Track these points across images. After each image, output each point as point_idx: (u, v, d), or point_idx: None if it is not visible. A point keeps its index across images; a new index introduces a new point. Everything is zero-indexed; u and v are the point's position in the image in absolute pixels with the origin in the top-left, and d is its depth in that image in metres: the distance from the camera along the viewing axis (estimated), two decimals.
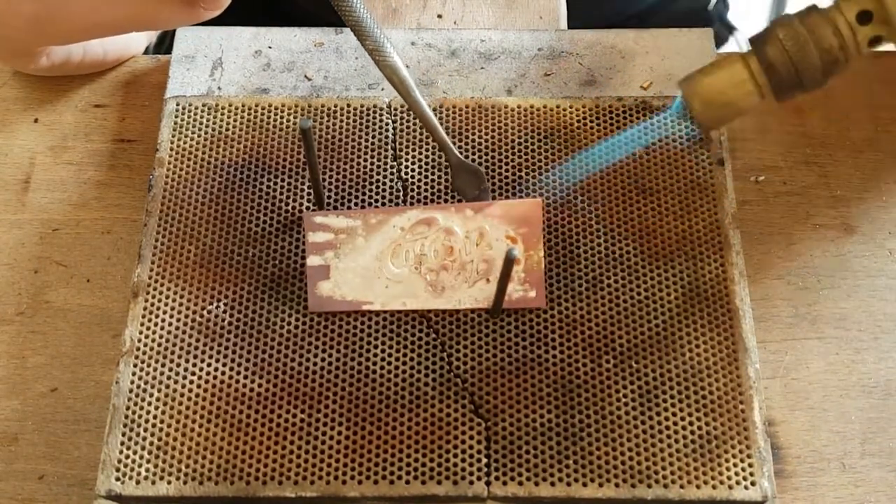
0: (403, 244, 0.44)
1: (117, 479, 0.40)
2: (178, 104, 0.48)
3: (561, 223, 0.45)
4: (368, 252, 0.44)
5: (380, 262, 0.44)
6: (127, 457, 0.40)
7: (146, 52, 0.55)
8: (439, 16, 0.54)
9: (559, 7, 0.55)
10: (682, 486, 0.39)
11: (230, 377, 0.42)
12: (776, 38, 0.34)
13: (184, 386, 0.42)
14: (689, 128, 0.37)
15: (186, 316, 0.43)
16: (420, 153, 0.47)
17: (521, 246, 0.44)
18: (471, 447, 0.40)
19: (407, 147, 0.47)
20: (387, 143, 0.47)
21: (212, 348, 0.42)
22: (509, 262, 0.38)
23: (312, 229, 0.44)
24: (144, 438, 0.40)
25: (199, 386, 0.42)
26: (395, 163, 0.47)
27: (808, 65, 0.33)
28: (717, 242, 0.45)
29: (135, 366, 0.42)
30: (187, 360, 0.42)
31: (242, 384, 0.42)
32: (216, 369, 0.42)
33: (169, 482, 0.40)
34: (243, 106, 0.48)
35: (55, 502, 0.42)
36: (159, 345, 0.42)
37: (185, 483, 0.40)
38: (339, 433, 0.41)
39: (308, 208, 0.46)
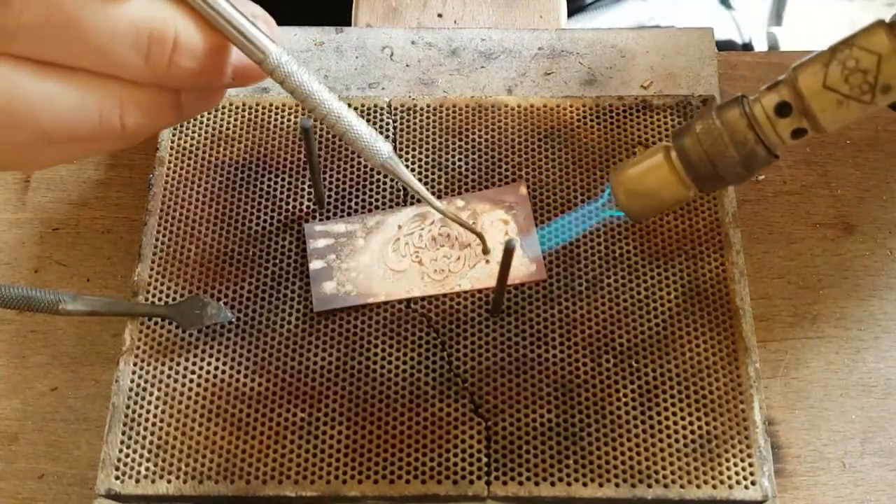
0: (402, 238, 0.44)
1: (117, 478, 0.40)
2: None
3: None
4: (368, 250, 0.44)
5: (380, 257, 0.44)
6: (127, 455, 0.40)
7: None
8: (439, 15, 0.54)
9: (559, 6, 0.55)
10: (682, 486, 0.39)
11: (230, 376, 0.42)
12: (693, 131, 0.34)
13: (183, 385, 0.42)
14: (620, 217, 0.37)
15: None
16: (420, 153, 0.47)
17: (515, 227, 0.44)
18: (471, 447, 0.40)
19: (407, 147, 0.47)
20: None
21: (212, 347, 0.42)
22: (509, 252, 0.38)
23: (313, 237, 0.45)
24: (144, 437, 0.40)
25: (198, 385, 0.42)
26: None
27: (724, 157, 0.33)
28: (717, 242, 0.45)
29: (135, 365, 0.42)
30: (187, 359, 0.42)
31: (242, 383, 0.42)
32: (216, 368, 0.42)
33: (169, 481, 0.40)
34: (243, 105, 0.48)
35: (55, 501, 0.42)
36: (159, 344, 0.42)
37: (184, 482, 0.40)
38: (340, 432, 0.41)
39: (308, 208, 0.46)
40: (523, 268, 0.43)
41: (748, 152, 0.33)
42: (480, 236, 0.43)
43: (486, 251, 0.44)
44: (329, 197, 0.46)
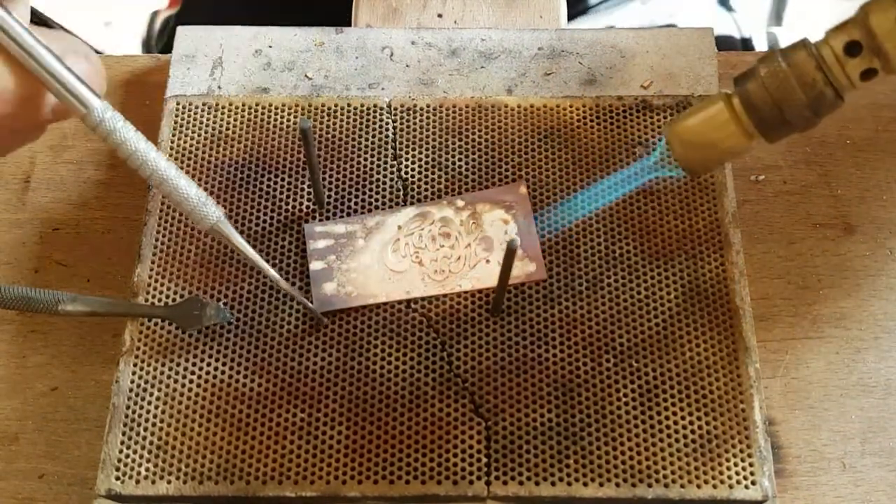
0: (402, 239, 0.44)
1: (117, 478, 0.40)
2: (178, 103, 0.48)
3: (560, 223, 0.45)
4: (368, 251, 0.44)
5: (380, 258, 0.44)
6: (127, 456, 0.40)
7: (147, 51, 0.55)
8: (439, 15, 0.54)
9: (559, 6, 0.55)
10: (682, 486, 0.39)
11: (230, 377, 0.42)
12: (757, 75, 0.33)
13: (183, 385, 0.42)
14: (677, 172, 0.36)
15: None
16: (420, 153, 0.47)
17: (515, 226, 0.44)
18: (471, 447, 0.40)
19: (407, 147, 0.47)
20: (387, 143, 0.47)
21: (211, 348, 0.42)
22: (511, 252, 0.38)
23: (313, 238, 0.45)
24: (144, 438, 0.40)
25: (198, 385, 0.42)
26: (394, 162, 0.47)
27: (792, 101, 0.32)
28: (717, 242, 0.45)
29: (135, 365, 0.42)
30: (187, 360, 0.42)
31: (242, 384, 0.42)
32: (216, 369, 0.42)
33: (169, 481, 0.40)
34: (243, 105, 0.48)
35: (55, 501, 0.42)
36: (159, 344, 0.42)
37: (184, 482, 0.40)
38: (340, 433, 0.41)
39: (308, 207, 0.46)
40: (524, 267, 0.43)
41: (816, 94, 0.32)
42: (310, 308, 0.42)
43: (318, 325, 0.43)
44: (329, 197, 0.46)
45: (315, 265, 0.44)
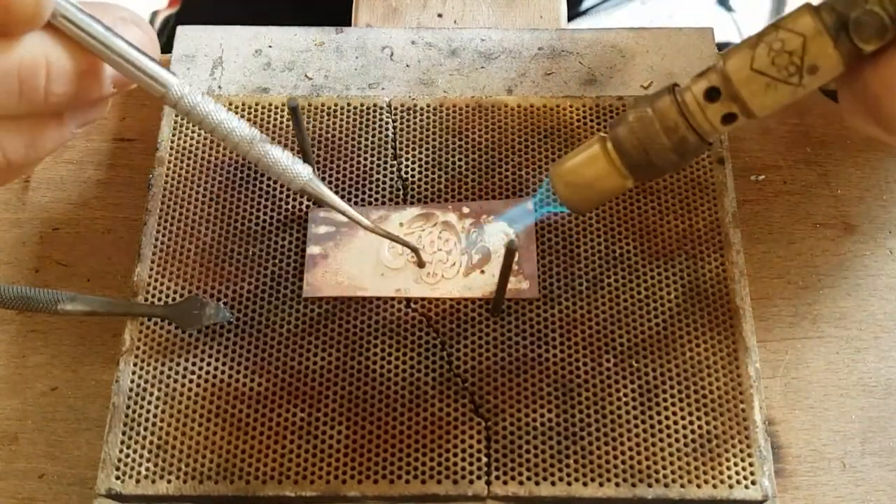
0: (401, 236, 0.44)
1: (117, 477, 0.40)
2: None
3: (561, 222, 0.45)
4: (367, 243, 0.44)
5: (377, 252, 0.44)
6: (127, 455, 0.40)
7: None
8: (439, 15, 0.54)
9: (559, 6, 0.55)
10: (682, 486, 0.39)
11: (230, 376, 0.42)
12: (626, 121, 0.34)
13: (183, 385, 0.42)
14: (561, 209, 0.38)
15: None
16: (420, 153, 0.47)
17: (516, 241, 0.44)
18: (471, 446, 0.40)
19: (407, 146, 0.47)
20: (387, 143, 0.47)
21: (211, 347, 0.42)
22: (510, 252, 0.38)
23: (315, 223, 0.45)
24: (144, 437, 0.40)
25: (198, 385, 0.42)
26: (394, 162, 0.47)
27: (657, 145, 0.33)
28: (717, 241, 0.45)
29: (135, 365, 0.42)
30: (187, 360, 0.42)
31: (242, 383, 0.42)
32: (216, 368, 0.42)
33: (169, 481, 0.40)
34: (243, 105, 0.48)
35: (55, 501, 0.42)
36: (159, 344, 0.42)
37: (184, 482, 0.40)
38: (339, 432, 0.41)
39: (308, 207, 0.46)
40: (517, 283, 0.43)
41: (679, 139, 0.33)
42: (415, 250, 0.43)
43: (421, 265, 0.44)
44: None
45: (312, 249, 0.44)
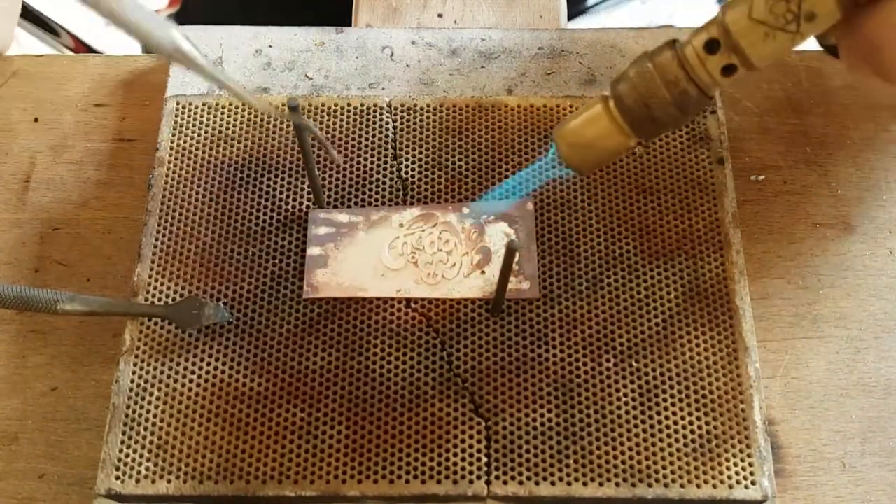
0: (402, 237, 0.44)
1: (117, 477, 0.40)
2: (178, 103, 0.48)
3: (561, 222, 0.45)
4: (367, 244, 0.44)
5: (377, 253, 0.44)
6: (127, 455, 0.40)
7: (147, 50, 0.55)
8: (440, 15, 0.54)
9: (559, 6, 0.55)
10: (682, 486, 0.39)
11: (230, 376, 0.42)
12: (627, 77, 0.34)
13: (183, 385, 0.42)
14: (566, 173, 0.38)
15: None
16: (420, 153, 0.47)
17: (516, 241, 0.44)
18: (471, 446, 0.40)
19: (407, 146, 0.47)
20: (387, 143, 0.47)
21: (211, 347, 0.42)
22: (511, 252, 0.38)
23: (316, 224, 0.45)
24: (144, 437, 0.40)
25: (198, 385, 0.42)
26: (395, 162, 0.47)
27: (658, 99, 0.33)
28: (717, 241, 0.45)
29: (135, 365, 0.42)
30: (187, 359, 0.42)
31: (242, 383, 0.42)
32: (216, 368, 0.42)
33: (168, 481, 0.40)
34: (243, 105, 0.48)
35: (55, 501, 0.42)
36: (159, 344, 0.42)
37: (184, 482, 0.40)
38: (339, 432, 0.41)
39: (308, 207, 0.46)
40: (518, 284, 0.43)
41: (680, 92, 0.33)
42: (326, 146, 0.40)
43: (333, 160, 0.43)
44: (329, 196, 0.46)
45: (312, 251, 0.44)
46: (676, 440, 0.40)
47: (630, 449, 0.40)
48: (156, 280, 0.44)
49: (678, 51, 0.33)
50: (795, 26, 0.31)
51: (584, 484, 0.39)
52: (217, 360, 0.42)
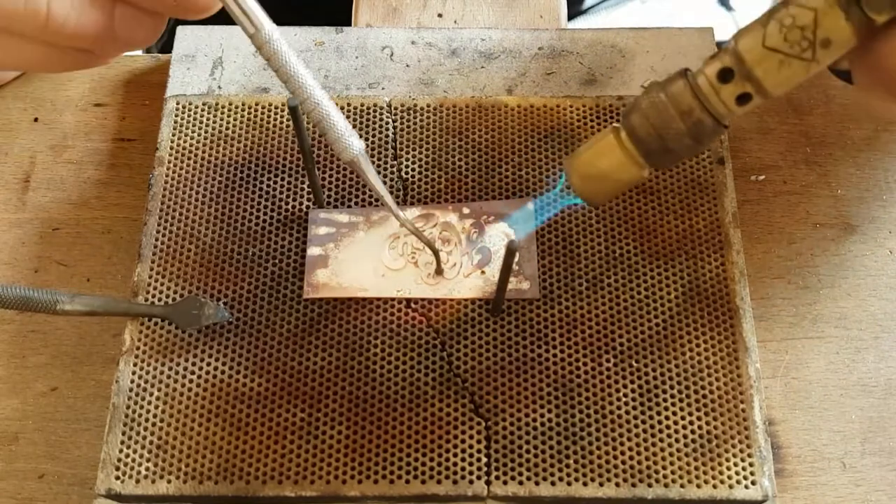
0: (402, 237, 0.44)
1: (117, 477, 0.40)
2: (178, 103, 0.48)
3: (561, 222, 0.45)
4: (367, 244, 0.44)
5: (377, 253, 0.44)
6: (127, 455, 0.40)
7: (147, 50, 0.55)
8: (440, 15, 0.54)
9: (560, 6, 0.55)
10: (682, 486, 0.39)
11: (230, 376, 0.42)
12: (640, 107, 0.34)
13: (183, 385, 0.42)
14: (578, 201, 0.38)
15: None
16: (420, 153, 0.47)
17: (516, 242, 0.44)
18: (471, 446, 0.40)
19: (407, 147, 0.47)
20: (387, 143, 0.47)
21: (211, 347, 0.42)
22: (511, 252, 0.38)
23: (316, 224, 0.45)
24: (144, 437, 0.40)
25: (198, 385, 0.42)
26: (395, 162, 0.47)
27: (672, 130, 0.33)
28: (717, 241, 0.45)
29: (135, 365, 0.42)
30: (187, 359, 0.42)
31: (242, 383, 0.42)
32: (216, 368, 0.42)
33: (168, 481, 0.40)
34: (243, 105, 0.48)
35: (55, 501, 0.42)
36: (159, 344, 0.42)
37: (184, 482, 0.40)
38: (339, 432, 0.41)
39: (308, 207, 0.46)
40: (517, 284, 0.43)
41: (695, 122, 0.33)
42: (436, 253, 0.43)
43: (439, 271, 0.43)
44: (329, 196, 0.46)
45: (312, 251, 0.44)
46: (677, 440, 0.40)
47: (630, 449, 0.40)
48: (156, 280, 0.44)
49: (691, 80, 0.33)
50: (811, 54, 0.30)
51: (584, 484, 0.39)
52: (217, 360, 0.42)
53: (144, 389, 0.41)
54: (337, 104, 0.48)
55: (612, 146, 0.35)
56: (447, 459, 0.40)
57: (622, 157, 0.34)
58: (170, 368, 0.42)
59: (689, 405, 0.41)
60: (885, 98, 0.32)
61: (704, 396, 0.41)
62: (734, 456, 0.40)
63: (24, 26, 0.32)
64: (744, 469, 0.40)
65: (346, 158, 0.38)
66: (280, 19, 0.41)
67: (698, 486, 0.39)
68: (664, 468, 0.40)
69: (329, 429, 0.41)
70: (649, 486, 0.39)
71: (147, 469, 0.40)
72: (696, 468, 0.40)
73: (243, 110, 0.48)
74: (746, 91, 0.32)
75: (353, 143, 0.37)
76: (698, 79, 0.32)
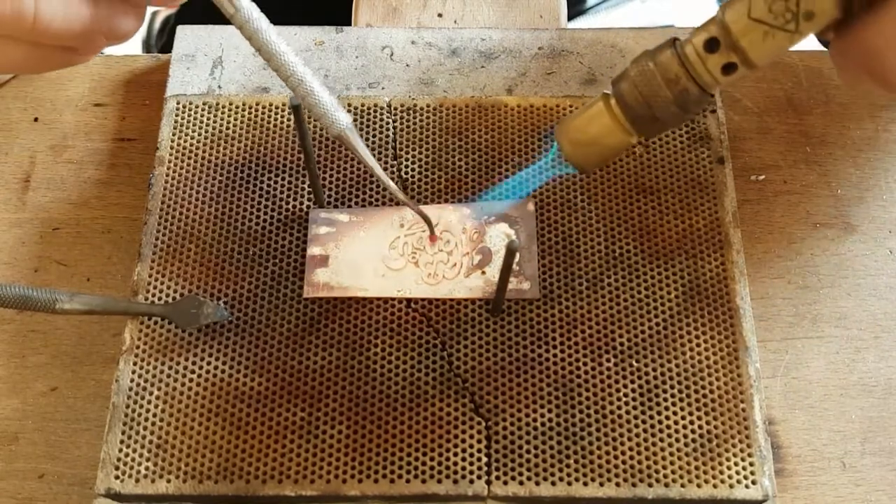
0: (402, 237, 0.44)
1: (117, 477, 0.40)
2: (178, 103, 0.48)
3: (561, 222, 0.45)
4: (367, 244, 0.44)
5: (377, 253, 0.44)
6: (127, 455, 0.40)
7: (147, 50, 0.55)
8: (440, 14, 0.54)
9: (560, 6, 0.55)
10: (682, 486, 0.39)
11: (230, 375, 0.42)
12: (629, 75, 0.35)
13: (183, 384, 0.42)
14: (568, 171, 0.39)
15: None
16: (420, 153, 0.47)
17: (516, 242, 0.44)
18: (471, 446, 0.40)
19: (407, 147, 0.47)
20: (387, 143, 0.47)
21: (211, 346, 0.42)
22: (511, 252, 0.38)
23: (316, 223, 0.45)
24: (144, 437, 0.40)
25: (198, 384, 0.42)
26: (395, 162, 0.47)
27: (658, 98, 0.34)
28: (717, 241, 0.45)
29: (134, 364, 0.42)
30: (187, 359, 0.42)
31: (242, 382, 0.42)
32: (216, 367, 0.42)
33: (168, 481, 0.40)
34: (243, 105, 0.48)
35: (55, 501, 0.42)
36: (159, 343, 0.42)
37: (184, 482, 0.40)
38: (340, 432, 0.41)
39: (308, 207, 0.46)
40: (518, 284, 0.43)
41: (681, 90, 0.34)
42: (428, 221, 0.43)
43: (432, 236, 0.44)
44: (329, 196, 0.46)
45: (312, 250, 0.44)
46: (677, 440, 0.40)
47: (630, 449, 0.40)
48: (156, 279, 0.44)
49: (678, 49, 0.34)
50: (794, 25, 0.31)
51: (585, 484, 0.39)
52: (217, 359, 0.42)
53: (144, 389, 0.41)
54: None
55: (601, 112, 0.36)
56: (447, 459, 0.40)
57: (611, 123, 0.36)
58: (170, 368, 0.42)
59: (689, 405, 0.41)
60: (864, 79, 0.32)
61: (704, 396, 0.41)
62: (734, 456, 0.40)
63: (10, 28, 0.31)
64: (744, 469, 0.40)
65: (333, 133, 0.38)
66: (280, 19, 0.41)
67: (698, 485, 0.39)
68: (664, 468, 0.40)
69: (329, 428, 0.41)
70: (649, 485, 0.39)
71: (147, 468, 0.40)
72: (697, 468, 0.40)
73: (243, 110, 0.48)
74: (732, 61, 0.33)
75: (339, 118, 0.37)
76: (686, 48, 0.33)
